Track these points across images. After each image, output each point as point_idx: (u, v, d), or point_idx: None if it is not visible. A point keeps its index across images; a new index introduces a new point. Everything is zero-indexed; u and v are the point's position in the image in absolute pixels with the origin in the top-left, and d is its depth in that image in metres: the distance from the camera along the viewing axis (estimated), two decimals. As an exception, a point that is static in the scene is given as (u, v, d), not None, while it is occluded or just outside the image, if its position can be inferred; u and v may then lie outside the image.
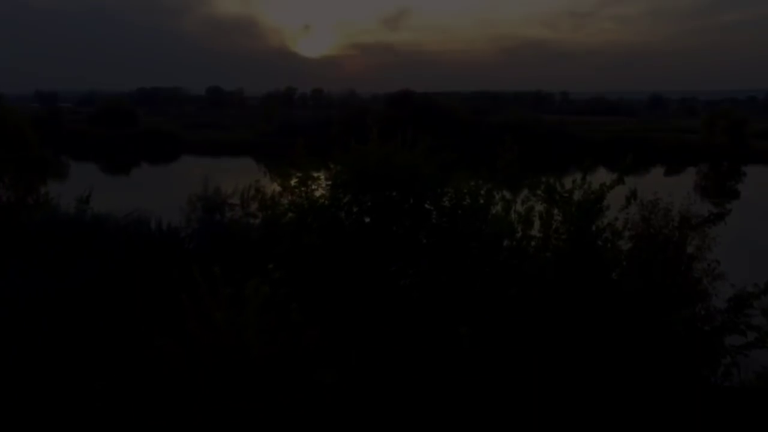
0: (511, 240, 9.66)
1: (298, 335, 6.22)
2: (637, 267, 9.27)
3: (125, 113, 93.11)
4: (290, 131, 79.53)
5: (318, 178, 10.58)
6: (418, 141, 10.51)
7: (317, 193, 10.47)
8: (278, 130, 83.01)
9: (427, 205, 10.24)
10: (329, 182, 10.41)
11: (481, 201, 10.38)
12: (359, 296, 8.59)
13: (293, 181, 10.55)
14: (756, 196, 47.82)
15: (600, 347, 8.37)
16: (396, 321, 8.21)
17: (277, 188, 11.16)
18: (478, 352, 7.42)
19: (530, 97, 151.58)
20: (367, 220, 9.98)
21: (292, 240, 9.33)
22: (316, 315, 6.97)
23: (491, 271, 8.97)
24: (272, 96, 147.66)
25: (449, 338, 7.43)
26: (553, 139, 72.37)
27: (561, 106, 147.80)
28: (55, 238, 9.59)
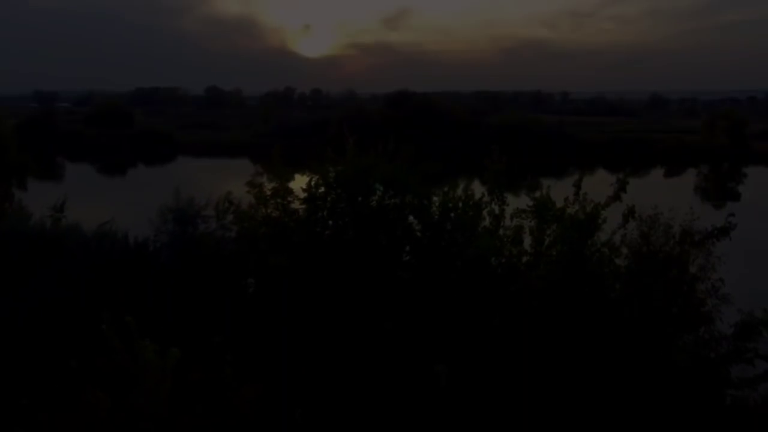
0: (498, 258, 8.96)
1: (232, 394, 5.39)
2: (635, 290, 8.55)
3: (121, 114, 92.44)
4: (287, 132, 78.92)
5: (292, 191, 9.88)
6: (400, 150, 9.81)
7: (293, 205, 9.77)
8: (275, 130, 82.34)
9: (411, 219, 9.56)
10: (306, 194, 9.70)
11: (470, 213, 9.72)
12: (324, 329, 7.88)
13: (268, 191, 9.84)
14: (756, 198, 47.24)
15: (594, 383, 7.68)
16: (363, 358, 7.49)
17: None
18: (457, 393, 6.70)
19: (530, 97, 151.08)
20: (345, 234, 9.27)
21: (259, 260, 8.62)
22: (268, 358, 6.27)
23: (475, 295, 8.23)
24: (270, 96, 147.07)
25: (424, 378, 6.70)
26: (552, 139, 71.73)
27: (561, 106, 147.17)
28: (12, 253, 8.93)
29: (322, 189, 9.57)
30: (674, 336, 8.37)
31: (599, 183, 9.65)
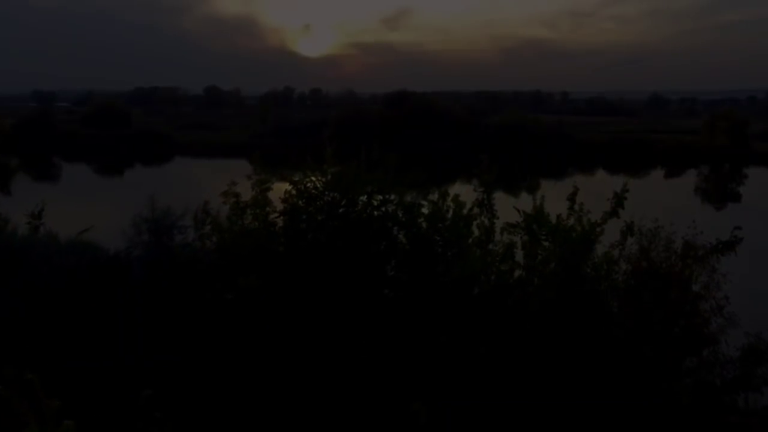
0: (488, 275, 8.38)
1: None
2: (634, 309, 7.99)
3: (118, 114, 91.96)
4: (285, 132, 78.44)
5: (271, 201, 9.32)
6: (385, 158, 9.25)
7: (271, 217, 9.21)
8: (273, 131, 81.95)
9: (396, 230, 8.98)
10: (284, 204, 9.12)
11: (461, 224, 9.17)
12: (294, 362, 7.28)
13: (243, 202, 9.29)
14: (757, 199, 46.84)
15: (589, 415, 7.14)
16: (333, 396, 6.89)
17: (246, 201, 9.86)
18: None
19: (530, 97, 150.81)
20: (324, 249, 8.68)
21: (230, 278, 8.02)
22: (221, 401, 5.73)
23: (461, 319, 7.64)
24: (270, 96, 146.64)
25: (400, 417, 6.12)
26: (551, 140, 71.21)
27: (561, 106, 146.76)
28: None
29: (302, 200, 9.02)
30: (676, 359, 7.82)
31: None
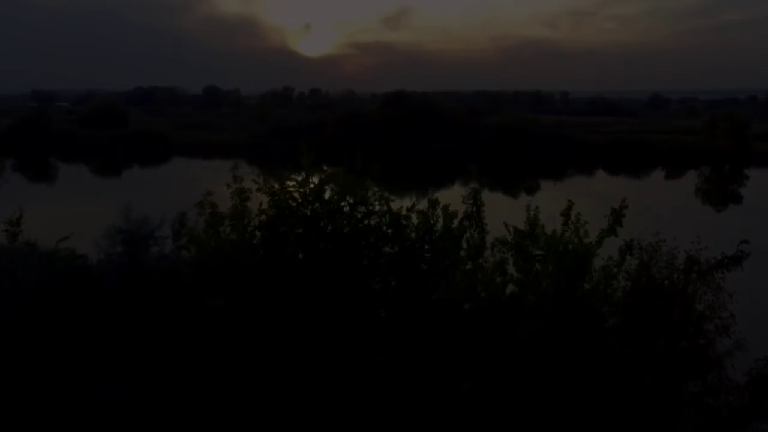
0: (477, 293, 7.84)
1: None
2: (633, 330, 7.45)
3: (116, 114, 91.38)
4: (283, 133, 77.80)
5: (250, 212, 8.79)
6: (368, 167, 8.71)
7: (249, 229, 8.66)
8: (271, 131, 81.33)
9: (380, 245, 8.45)
10: (261, 216, 8.58)
11: (452, 233, 8.65)
12: (258, 398, 6.75)
13: (227, 210, 8.77)
14: (758, 201, 46.40)
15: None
16: None
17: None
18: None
19: (530, 97, 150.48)
20: (303, 267, 8.14)
21: (192, 301, 7.48)
22: None
23: (444, 344, 7.10)
24: (269, 96, 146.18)
25: None
26: (551, 140, 70.68)
27: (561, 106, 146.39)
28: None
29: (281, 213, 8.47)
30: (678, 386, 7.28)
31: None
